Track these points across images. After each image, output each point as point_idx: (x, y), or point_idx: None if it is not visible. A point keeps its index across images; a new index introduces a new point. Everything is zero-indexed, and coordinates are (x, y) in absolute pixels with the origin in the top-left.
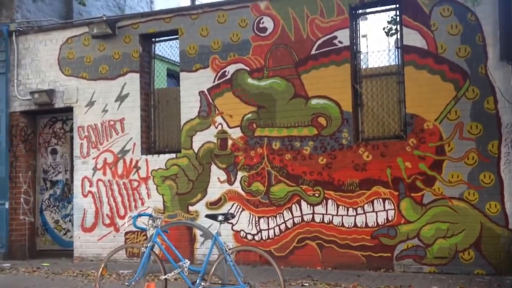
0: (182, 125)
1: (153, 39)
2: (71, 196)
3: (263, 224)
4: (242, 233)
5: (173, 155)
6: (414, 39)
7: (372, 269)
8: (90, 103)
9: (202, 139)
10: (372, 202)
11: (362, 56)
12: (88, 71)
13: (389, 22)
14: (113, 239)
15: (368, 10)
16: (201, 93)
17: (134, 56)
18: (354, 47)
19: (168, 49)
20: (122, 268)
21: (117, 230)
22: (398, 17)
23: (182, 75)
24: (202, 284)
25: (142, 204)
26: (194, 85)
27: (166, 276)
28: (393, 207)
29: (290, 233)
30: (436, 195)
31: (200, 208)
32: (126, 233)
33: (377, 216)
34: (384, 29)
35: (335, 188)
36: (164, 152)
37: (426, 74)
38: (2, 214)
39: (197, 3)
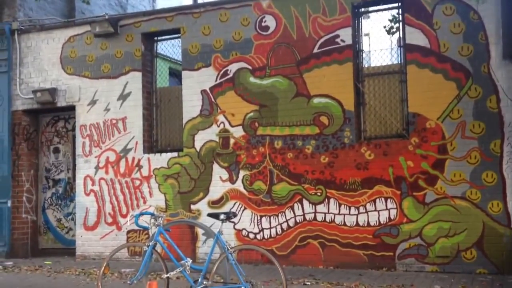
0: (184, 123)
1: (155, 38)
2: (73, 195)
3: (265, 223)
4: (244, 232)
5: (175, 154)
6: (416, 37)
7: (374, 268)
8: (92, 102)
9: (204, 137)
10: (374, 201)
11: (364, 55)
12: (90, 70)
13: (390, 21)
14: (115, 237)
15: (371, 9)
16: (203, 92)
17: (136, 54)
18: (357, 45)
19: (170, 47)
20: (124, 267)
21: (119, 228)
22: (400, 16)
23: (184, 73)
24: (204, 282)
25: (144, 202)
26: (196, 84)
27: (168, 275)
28: (395, 206)
29: (292, 232)
30: (438, 194)
31: (202, 206)
32: (128, 232)
33: (379, 215)
34: (385, 27)
35: (337, 187)
36: (166, 151)
37: (429, 73)
38: (5, 213)
39: (199, 1)
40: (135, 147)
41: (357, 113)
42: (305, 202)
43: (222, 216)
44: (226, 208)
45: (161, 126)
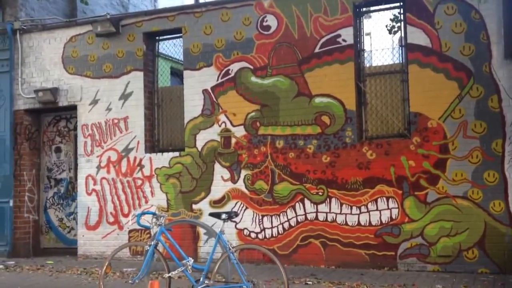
0: (185, 123)
1: (157, 38)
2: (75, 194)
3: (266, 223)
4: (245, 232)
5: (177, 154)
6: (418, 37)
7: (375, 267)
8: (94, 102)
9: (206, 137)
10: (376, 200)
11: (366, 55)
12: (92, 70)
13: (392, 20)
14: (117, 237)
15: (372, 8)
16: (204, 91)
17: (138, 54)
18: (358, 45)
19: (171, 47)
20: (126, 266)
21: (121, 228)
22: (402, 15)
23: (186, 73)
24: (206, 282)
25: (146, 202)
26: (197, 84)
27: (169, 274)
28: (396, 206)
29: (293, 232)
30: (440, 194)
31: (204, 206)
32: (130, 231)
33: (380, 215)
34: (386, 26)
35: (339, 187)
36: (168, 151)
37: (430, 73)
38: (6, 212)
39: (201, 1)
40: (136, 147)
41: (359, 113)
42: (307, 202)
43: (223, 216)
44: (227, 207)
45: (163, 126)
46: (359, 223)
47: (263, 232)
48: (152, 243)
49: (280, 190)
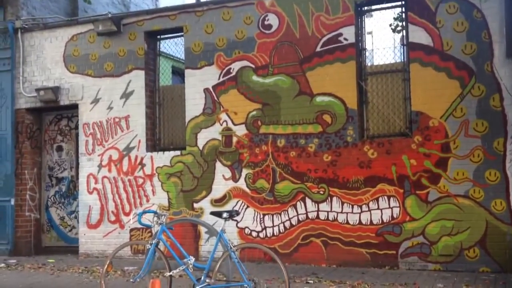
0: (187, 122)
1: (158, 36)
2: (77, 193)
3: (267, 221)
4: (246, 230)
5: (178, 152)
6: (419, 36)
7: (376, 266)
8: (95, 100)
9: (207, 136)
10: (377, 199)
11: (367, 53)
12: (93, 68)
13: (395, 19)
14: (118, 236)
15: (374, 7)
16: (206, 90)
17: (139, 53)
18: (360, 44)
19: (173, 46)
20: (127, 265)
21: (122, 227)
22: (403, 14)
23: (187, 72)
24: (207, 281)
25: (147, 201)
26: (199, 82)
27: (171, 273)
28: (398, 205)
29: (294, 231)
30: (441, 193)
31: (205, 205)
32: (131, 230)
33: (382, 214)
34: (390, 25)
35: (340, 186)
36: (169, 149)
37: (432, 71)
38: (8, 211)
39: (202, 0)
40: (138, 146)
41: (360, 112)
42: (308, 201)
43: (225, 215)
44: (229, 206)
45: (164, 125)
46: (360, 222)
47: (264, 231)
48: (153, 241)
49: (281, 189)
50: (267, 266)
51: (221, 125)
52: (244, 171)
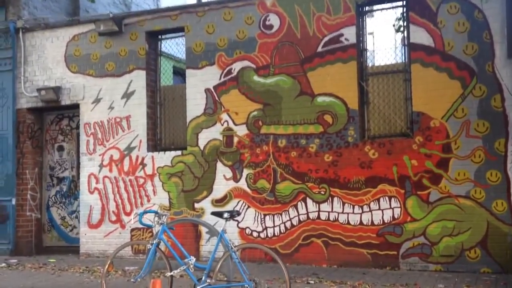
0: (188, 122)
1: (159, 36)
2: (78, 193)
3: (268, 222)
4: (247, 231)
5: (179, 152)
6: (421, 36)
7: (377, 267)
8: (97, 100)
9: (208, 136)
10: (378, 200)
11: (368, 54)
12: (95, 68)
13: (398, 19)
14: (119, 235)
15: (375, 7)
16: (207, 90)
17: (140, 53)
18: (361, 44)
19: (174, 46)
20: (128, 265)
21: (123, 226)
22: (404, 14)
23: (188, 72)
24: (208, 281)
25: (148, 201)
26: (200, 83)
27: (172, 273)
28: (399, 205)
29: (295, 231)
30: (442, 193)
31: (206, 205)
32: (132, 230)
33: (383, 214)
34: (394, 26)
35: (341, 186)
36: (170, 149)
37: (433, 72)
38: (9, 211)
39: (203, 0)
40: (139, 146)
41: (361, 112)
42: (309, 201)
43: (225, 215)
44: (229, 206)
45: (165, 125)
46: (361, 223)
47: (265, 231)
48: (154, 241)
49: (282, 189)
50: (268, 266)
51: (222, 125)
52: (245, 171)
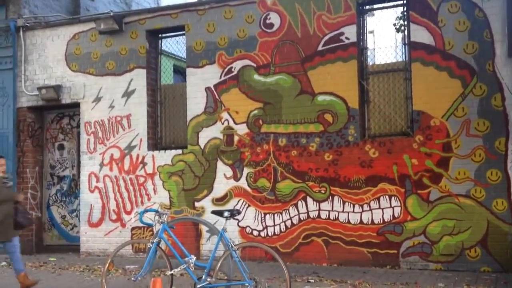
0: (188, 121)
1: (160, 35)
2: (78, 192)
3: (269, 221)
4: (248, 229)
5: (180, 151)
6: (421, 35)
7: (378, 266)
8: (97, 99)
9: (209, 135)
10: (378, 199)
11: (369, 53)
12: (95, 67)
13: (399, 18)
14: (120, 234)
15: (376, 6)
16: (207, 89)
17: (140, 52)
18: (361, 43)
19: (174, 45)
20: (129, 264)
21: (123, 225)
22: (405, 13)
23: (189, 71)
24: (208, 279)
25: (149, 199)
26: (200, 81)
27: (172, 272)
28: (399, 204)
29: (296, 230)
30: (442, 192)
31: (206, 204)
32: (133, 229)
33: (383, 213)
34: (395, 25)
35: (341, 185)
36: (171, 148)
37: (433, 71)
38: None
39: None
40: (139, 144)
41: (362, 111)
42: (309, 200)
43: (226, 214)
44: (230, 205)
45: (166, 123)
46: (361, 221)
47: (265, 230)
48: (155, 240)
49: (282, 188)
50: (268, 265)
51: (223, 124)
52: (246, 170)
